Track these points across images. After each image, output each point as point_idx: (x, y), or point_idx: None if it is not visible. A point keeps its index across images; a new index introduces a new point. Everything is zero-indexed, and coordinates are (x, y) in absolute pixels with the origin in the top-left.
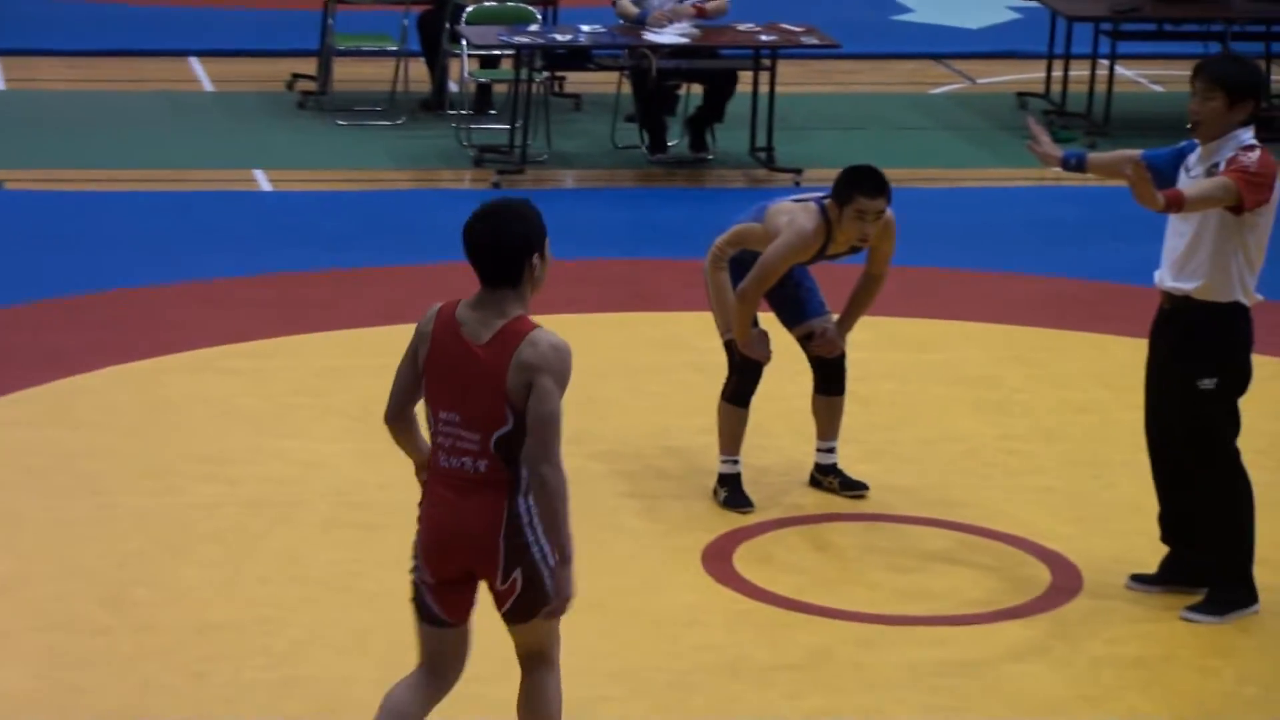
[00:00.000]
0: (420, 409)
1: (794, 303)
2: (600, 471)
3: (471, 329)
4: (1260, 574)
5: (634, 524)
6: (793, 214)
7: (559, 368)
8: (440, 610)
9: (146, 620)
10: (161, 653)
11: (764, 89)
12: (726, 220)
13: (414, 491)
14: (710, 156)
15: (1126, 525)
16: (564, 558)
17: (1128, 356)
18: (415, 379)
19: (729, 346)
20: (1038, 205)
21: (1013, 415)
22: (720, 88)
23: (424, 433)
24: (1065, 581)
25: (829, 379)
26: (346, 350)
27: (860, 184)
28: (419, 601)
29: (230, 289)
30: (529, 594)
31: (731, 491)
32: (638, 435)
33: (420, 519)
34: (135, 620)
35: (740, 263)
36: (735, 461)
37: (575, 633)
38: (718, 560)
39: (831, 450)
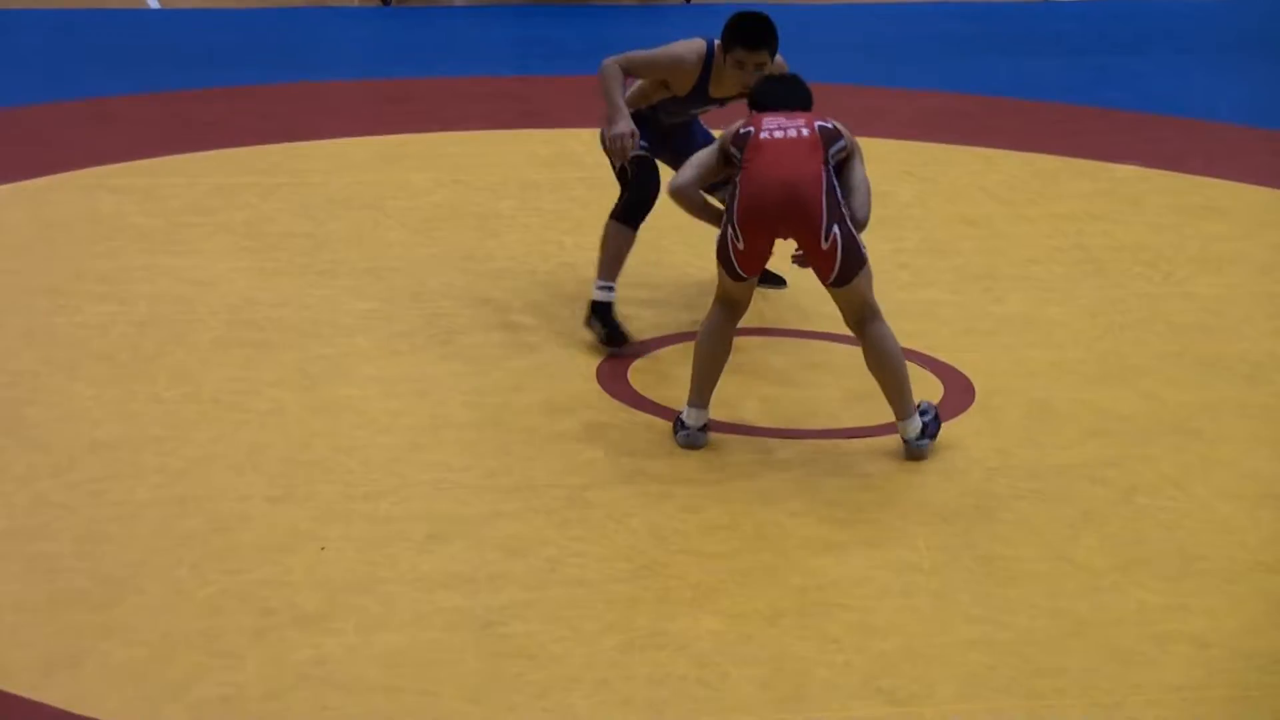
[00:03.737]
0: None
1: (690, 153)
2: (493, 289)
3: None
4: None
5: (529, 340)
6: (679, 41)
7: None
8: (744, 270)
9: (39, 439)
10: (54, 472)
11: None
12: (615, 38)
13: (306, 310)
14: None
15: (1017, 338)
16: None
17: (1016, 170)
18: None
19: (623, 166)
20: (924, 21)
21: (904, 229)
22: None
23: None
24: (957, 394)
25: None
26: (237, 169)
27: (742, 36)
28: (727, 263)
29: (119, 107)
30: (848, 257)
31: (606, 324)
32: (531, 253)
33: (741, 192)
34: (27, 439)
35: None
36: (611, 289)
37: (470, 450)
38: (612, 377)
39: None
